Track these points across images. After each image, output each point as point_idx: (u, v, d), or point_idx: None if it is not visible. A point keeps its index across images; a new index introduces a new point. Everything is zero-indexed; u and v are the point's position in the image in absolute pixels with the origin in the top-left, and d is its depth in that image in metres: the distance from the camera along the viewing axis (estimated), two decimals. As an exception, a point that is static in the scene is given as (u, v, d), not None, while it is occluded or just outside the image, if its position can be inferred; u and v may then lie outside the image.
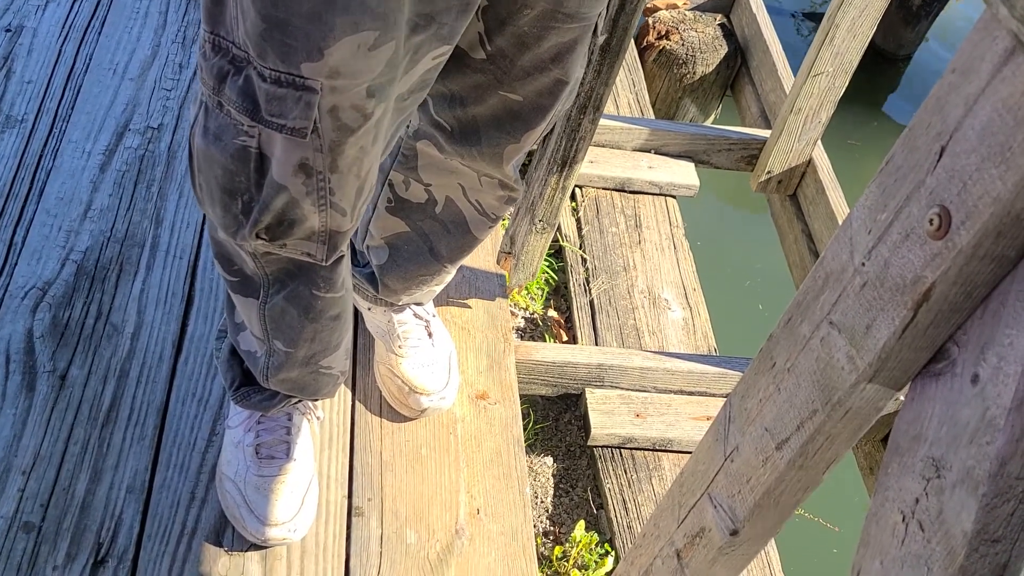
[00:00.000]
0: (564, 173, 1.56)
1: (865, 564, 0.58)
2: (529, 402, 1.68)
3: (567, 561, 1.48)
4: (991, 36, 0.47)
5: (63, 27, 1.94)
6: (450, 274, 1.36)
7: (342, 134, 0.85)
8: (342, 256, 1.03)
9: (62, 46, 1.90)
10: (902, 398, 0.58)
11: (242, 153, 0.87)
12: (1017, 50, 0.46)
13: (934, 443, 0.53)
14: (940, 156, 0.50)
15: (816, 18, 3.93)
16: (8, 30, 1.92)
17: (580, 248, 1.95)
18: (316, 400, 1.28)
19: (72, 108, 1.78)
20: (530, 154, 1.66)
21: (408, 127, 1.15)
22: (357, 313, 1.50)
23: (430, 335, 1.43)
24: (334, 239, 0.95)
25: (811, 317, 0.61)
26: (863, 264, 0.56)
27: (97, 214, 1.61)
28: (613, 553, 1.51)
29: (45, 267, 1.52)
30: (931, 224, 0.50)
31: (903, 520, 0.55)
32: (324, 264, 0.98)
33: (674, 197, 2.11)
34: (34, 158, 1.68)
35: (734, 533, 0.70)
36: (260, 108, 0.83)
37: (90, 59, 1.88)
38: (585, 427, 1.63)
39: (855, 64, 1.92)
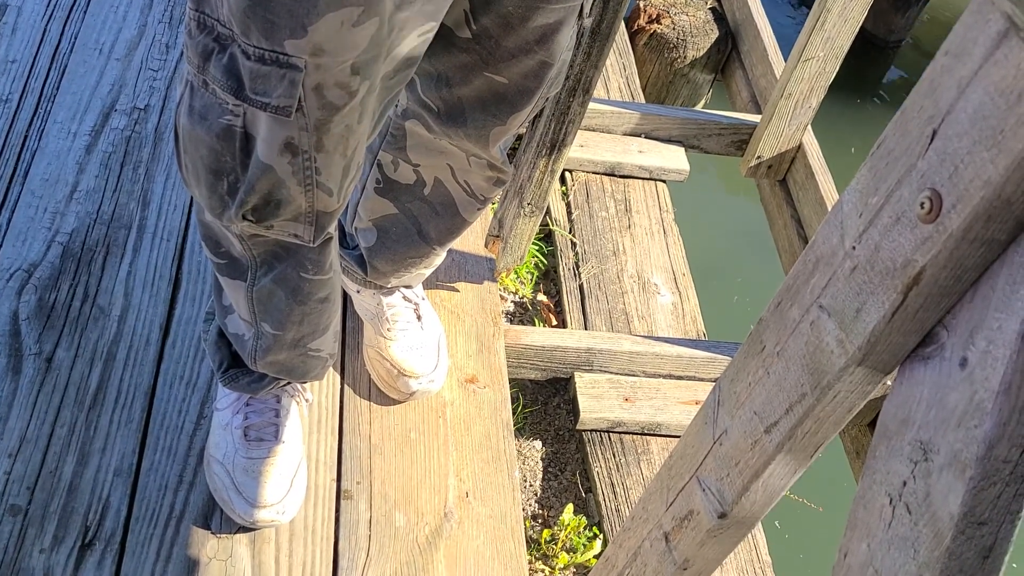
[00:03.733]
0: (553, 156, 1.56)
1: (852, 547, 0.59)
2: (518, 386, 1.68)
3: (555, 544, 1.49)
4: (984, 18, 0.47)
5: (48, 6, 1.91)
6: (439, 257, 1.35)
7: (327, 112, 0.84)
8: (330, 238, 1.03)
9: (47, 25, 1.88)
10: (890, 383, 0.59)
11: (227, 132, 0.87)
12: (1010, 32, 0.45)
13: (922, 426, 0.54)
14: (932, 139, 0.50)
15: (807, 3, 3.92)
16: (-8, 8, 1.89)
17: (570, 232, 1.95)
18: (305, 383, 1.28)
19: (57, 88, 1.76)
20: (519, 137, 1.65)
21: (396, 106, 1.14)
22: (346, 296, 1.49)
23: (419, 318, 1.42)
24: (321, 220, 0.95)
25: (801, 301, 0.61)
26: (853, 248, 0.56)
27: (83, 196, 1.60)
28: (601, 536, 1.51)
29: (31, 249, 1.50)
30: (922, 208, 0.50)
31: (890, 503, 0.55)
32: (312, 245, 0.98)
33: (664, 182, 2.11)
34: (19, 139, 1.67)
35: (722, 516, 0.70)
36: (244, 86, 0.82)
37: (75, 39, 1.86)
38: (574, 411, 1.64)
39: (846, 49, 1.92)
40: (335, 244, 1.07)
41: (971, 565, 0.52)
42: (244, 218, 0.93)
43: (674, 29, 2.59)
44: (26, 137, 1.67)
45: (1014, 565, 2.27)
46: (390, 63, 0.88)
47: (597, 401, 1.62)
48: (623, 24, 2.51)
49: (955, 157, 0.49)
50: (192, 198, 1.59)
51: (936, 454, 0.52)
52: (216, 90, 0.85)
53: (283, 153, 0.86)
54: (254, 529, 1.25)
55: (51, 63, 1.80)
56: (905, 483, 0.54)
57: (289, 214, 0.93)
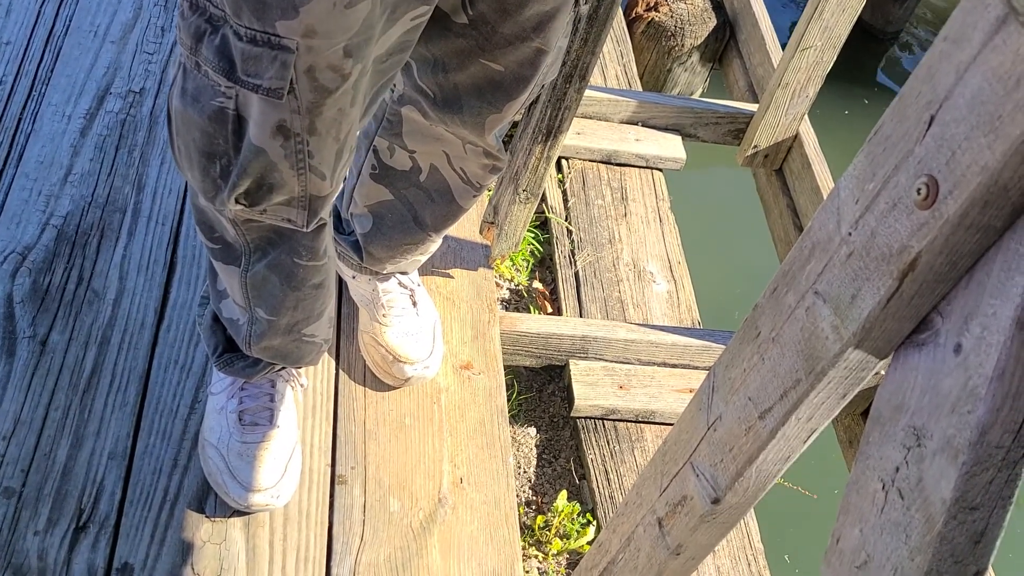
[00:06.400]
0: (548, 143, 1.55)
1: (845, 531, 0.59)
2: (513, 373, 1.68)
3: (549, 530, 1.49)
4: (983, 4, 0.47)
5: (42, -13, 1.90)
6: (435, 243, 1.35)
7: (320, 95, 0.84)
8: (324, 224, 1.03)
9: (41, 7, 1.86)
10: (883, 372, 0.59)
11: (219, 115, 0.86)
12: (1009, 18, 0.45)
13: (916, 412, 0.54)
14: (929, 125, 0.50)
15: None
16: (-15, -11, 1.88)
17: (566, 220, 1.95)
18: (300, 368, 1.28)
19: (52, 71, 1.75)
20: (515, 124, 1.65)
21: (392, 91, 1.14)
22: (341, 281, 1.49)
23: (414, 304, 1.42)
24: (314, 204, 0.94)
25: (797, 287, 0.62)
26: (850, 234, 0.56)
27: (78, 179, 1.59)
28: (594, 523, 1.52)
29: (25, 232, 1.50)
30: (919, 194, 0.50)
31: (883, 488, 0.56)
32: (305, 231, 0.98)
33: (660, 170, 2.10)
34: (13, 121, 1.66)
35: (716, 501, 0.71)
36: (236, 68, 0.82)
37: (70, 21, 1.85)
38: (568, 398, 1.64)
39: (843, 39, 1.92)
40: (329, 230, 1.07)
41: (962, 550, 0.52)
42: (237, 202, 0.92)
43: (672, 17, 2.58)
44: (20, 119, 1.66)
45: (1010, 555, 2.28)
46: (382, 45, 0.87)
47: (592, 388, 1.63)
48: (620, 11, 2.50)
49: (952, 143, 0.49)
50: (187, 188, 1.58)
51: (929, 440, 0.52)
52: (208, 72, 0.84)
53: (275, 136, 0.86)
54: (248, 513, 1.25)
55: (46, 45, 1.79)
56: (898, 468, 0.54)
57: (282, 198, 0.93)
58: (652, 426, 1.64)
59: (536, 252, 1.91)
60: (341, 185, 0.99)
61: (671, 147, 2.11)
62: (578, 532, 1.49)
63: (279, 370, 1.26)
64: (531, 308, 1.81)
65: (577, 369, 1.64)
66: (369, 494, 1.31)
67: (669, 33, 2.59)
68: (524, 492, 1.57)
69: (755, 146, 2.09)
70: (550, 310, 1.82)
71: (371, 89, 0.91)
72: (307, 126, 0.86)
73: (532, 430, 1.65)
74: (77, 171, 1.60)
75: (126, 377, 1.35)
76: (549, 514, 1.51)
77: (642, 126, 2.13)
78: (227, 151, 0.89)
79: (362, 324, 1.45)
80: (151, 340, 1.40)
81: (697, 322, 1.84)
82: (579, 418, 1.63)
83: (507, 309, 1.80)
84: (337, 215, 1.39)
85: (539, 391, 1.70)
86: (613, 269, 1.88)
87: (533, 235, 1.91)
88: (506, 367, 1.59)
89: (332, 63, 0.82)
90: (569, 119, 1.53)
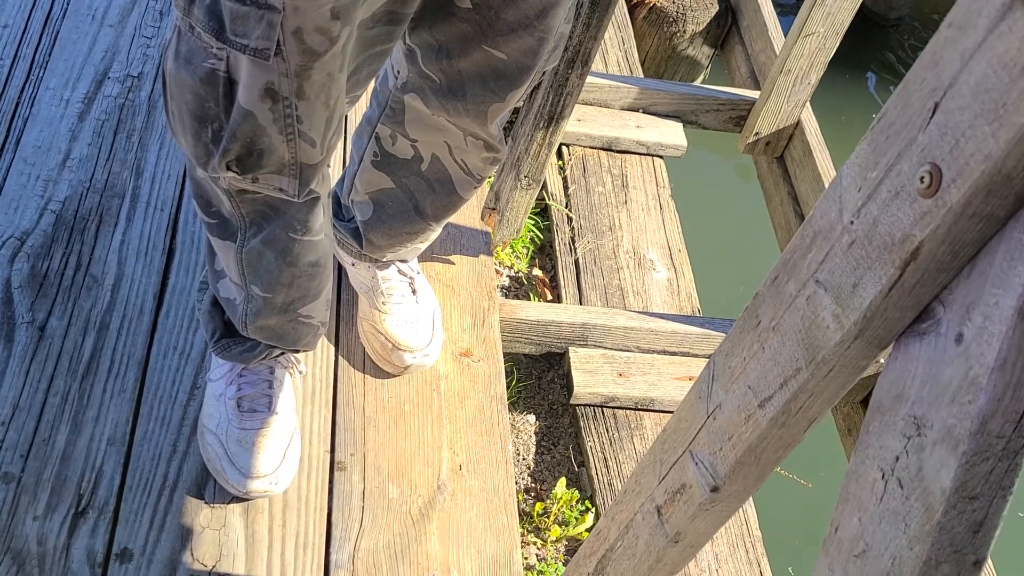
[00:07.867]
0: (550, 129, 1.55)
1: (844, 520, 0.59)
2: (512, 360, 1.68)
3: (548, 517, 1.49)
4: (989, -10, 0.46)
5: (40, -29, 1.89)
6: (435, 232, 1.35)
7: (308, 58, 0.84)
8: (317, 197, 1.03)
9: (39, -10, 1.85)
10: (883, 360, 0.59)
11: (211, 77, 0.87)
12: (1015, 5, 0.45)
13: (916, 402, 0.54)
14: (933, 113, 0.50)
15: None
16: (-17, -27, 1.86)
17: (566, 207, 1.94)
18: (297, 352, 1.28)
19: (49, 55, 1.74)
20: (516, 110, 1.64)
21: (397, 78, 1.14)
22: (341, 268, 1.49)
23: (414, 292, 1.42)
24: (305, 173, 0.95)
25: (798, 275, 0.61)
26: (852, 222, 0.56)
27: (76, 164, 1.58)
28: (593, 510, 1.52)
29: (23, 217, 1.49)
30: (922, 182, 0.50)
31: (883, 477, 0.55)
32: (297, 201, 0.98)
33: (661, 157, 2.10)
34: (10, 105, 1.65)
35: (715, 490, 0.71)
36: (225, 28, 0.83)
37: (68, 4, 1.84)
38: (568, 386, 1.64)
39: (846, 25, 1.91)
40: (325, 207, 1.07)
41: (961, 539, 0.52)
42: (228, 168, 0.93)
43: (674, 3, 2.57)
44: (18, 104, 1.65)
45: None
46: (368, 9, 0.87)
47: (591, 376, 1.62)
48: (622, -3, 2.48)
49: (956, 131, 0.48)
50: (185, 166, 1.57)
51: (929, 429, 0.52)
52: (200, 33, 0.85)
53: (263, 99, 0.86)
54: (247, 499, 1.25)
55: (43, 29, 1.78)
56: (898, 458, 0.54)
57: (273, 165, 0.93)
58: (651, 414, 1.65)
59: (536, 239, 1.91)
60: (332, 154, 0.99)
61: (672, 134, 2.10)
62: (577, 519, 1.50)
63: (277, 356, 1.26)
64: (531, 295, 1.81)
65: (576, 356, 1.64)
66: (368, 481, 1.31)
67: (671, 19, 2.58)
68: (523, 479, 1.57)
69: (756, 133, 2.09)
70: (550, 297, 1.82)
71: (356, 57, 0.91)
72: (295, 89, 0.86)
73: (531, 417, 1.65)
74: (75, 156, 1.59)
75: (125, 363, 1.35)
76: (548, 501, 1.52)
77: (643, 113, 2.12)
78: (218, 115, 0.89)
79: (361, 312, 1.44)
80: (150, 326, 1.40)
81: (697, 310, 1.83)
82: (578, 405, 1.63)
83: (507, 296, 1.80)
84: (337, 201, 1.39)
85: (538, 378, 1.70)
86: (613, 256, 1.87)
87: (533, 222, 1.90)
88: (505, 354, 1.59)
89: (319, 25, 0.82)
90: (571, 105, 1.52)
